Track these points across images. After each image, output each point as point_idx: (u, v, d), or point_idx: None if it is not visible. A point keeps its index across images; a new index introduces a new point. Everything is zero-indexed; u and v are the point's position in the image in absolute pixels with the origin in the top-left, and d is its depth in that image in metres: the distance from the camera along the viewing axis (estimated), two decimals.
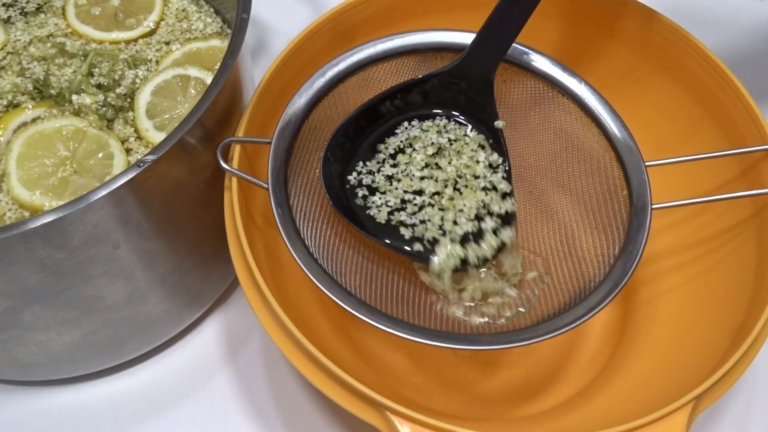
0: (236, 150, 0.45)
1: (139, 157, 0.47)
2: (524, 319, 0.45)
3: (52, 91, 0.50)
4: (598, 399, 0.49)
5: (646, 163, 0.45)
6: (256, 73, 0.54)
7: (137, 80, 0.51)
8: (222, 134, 0.46)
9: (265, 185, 0.43)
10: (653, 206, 0.44)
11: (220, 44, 0.53)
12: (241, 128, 0.46)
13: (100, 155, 0.47)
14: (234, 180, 0.44)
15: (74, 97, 0.49)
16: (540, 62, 0.48)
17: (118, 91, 0.50)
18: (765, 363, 0.53)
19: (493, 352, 0.52)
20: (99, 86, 0.50)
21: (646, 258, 0.43)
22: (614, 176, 0.46)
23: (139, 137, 0.49)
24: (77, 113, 0.49)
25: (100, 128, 0.48)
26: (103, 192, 0.38)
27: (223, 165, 0.43)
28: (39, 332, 0.45)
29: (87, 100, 0.49)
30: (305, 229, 0.43)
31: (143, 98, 0.50)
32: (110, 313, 0.46)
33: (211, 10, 0.56)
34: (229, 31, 0.54)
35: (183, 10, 0.55)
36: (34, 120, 0.49)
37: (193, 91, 0.50)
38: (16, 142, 0.47)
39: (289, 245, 0.41)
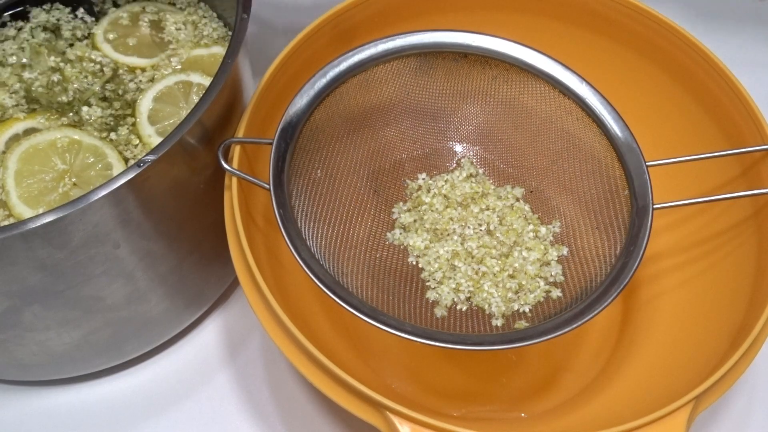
0: (236, 150, 0.45)
1: None
2: (525, 319, 0.45)
3: (63, 98, 0.49)
4: (598, 399, 0.49)
5: (648, 163, 0.45)
6: (256, 73, 0.54)
7: (140, 87, 0.51)
8: (222, 134, 0.46)
9: (267, 185, 0.43)
10: (654, 206, 0.44)
11: (222, 51, 0.53)
12: (241, 128, 0.46)
13: (99, 166, 0.47)
14: (234, 180, 0.44)
15: (84, 109, 0.48)
16: (541, 62, 0.48)
17: (122, 100, 0.50)
18: (765, 363, 0.53)
19: (493, 353, 0.52)
20: (104, 98, 0.50)
21: (646, 258, 0.43)
22: (615, 176, 0.46)
23: (142, 143, 0.49)
24: (76, 124, 0.48)
25: (101, 138, 0.48)
26: (103, 192, 0.38)
27: (225, 166, 0.43)
28: (39, 332, 0.45)
29: (98, 112, 0.48)
30: (306, 229, 0.43)
31: (145, 104, 0.49)
32: (110, 313, 0.46)
33: (215, 15, 0.56)
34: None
35: (194, 19, 0.55)
36: (26, 131, 0.48)
37: (195, 97, 0.50)
38: (11, 158, 0.46)
39: (290, 246, 0.41)
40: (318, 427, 0.51)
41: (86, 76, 0.50)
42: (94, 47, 0.53)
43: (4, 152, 0.47)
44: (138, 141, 0.49)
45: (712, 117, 0.51)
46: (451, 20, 0.54)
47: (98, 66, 0.52)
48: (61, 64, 0.51)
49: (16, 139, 0.48)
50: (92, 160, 0.47)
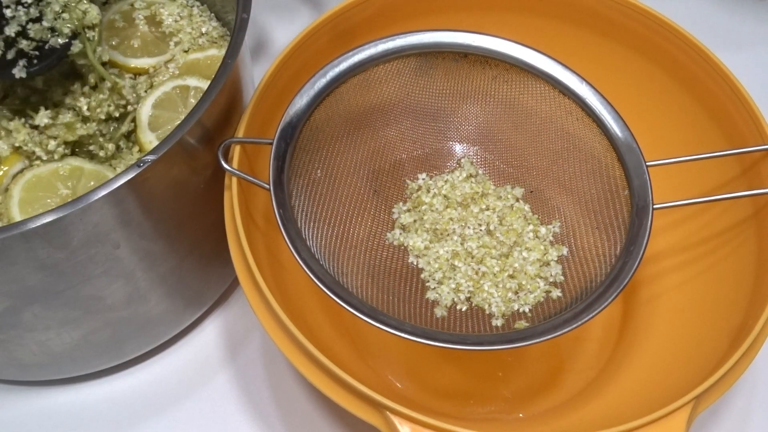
0: (236, 150, 0.45)
1: None
2: (525, 319, 0.45)
3: (101, 139, 0.48)
4: (598, 399, 0.49)
5: (647, 163, 0.45)
6: (256, 73, 0.54)
7: (141, 94, 0.51)
8: (222, 134, 0.46)
9: (267, 186, 0.43)
10: (654, 206, 0.44)
11: (218, 53, 0.53)
12: (241, 128, 0.46)
13: None
14: (234, 180, 0.44)
15: (109, 146, 0.48)
16: (541, 62, 0.48)
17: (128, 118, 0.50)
18: (765, 363, 0.53)
19: (492, 353, 0.52)
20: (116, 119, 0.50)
21: (646, 258, 0.43)
22: (615, 176, 0.46)
23: (141, 151, 0.49)
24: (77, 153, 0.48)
25: (103, 162, 0.48)
26: (103, 192, 0.38)
27: (225, 166, 0.43)
28: (39, 332, 0.45)
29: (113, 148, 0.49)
30: (306, 229, 0.44)
31: (145, 112, 0.49)
32: (110, 313, 0.46)
33: (213, 15, 0.56)
34: (228, 36, 0.54)
35: (190, 16, 0.55)
36: (31, 163, 0.48)
37: (193, 101, 0.49)
38: (15, 188, 0.46)
39: (290, 246, 0.41)
40: (318, 427, 0.51)
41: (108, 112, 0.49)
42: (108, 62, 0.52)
43: (7, 186, 0.47)
44: (138, 149, 0.49)
45: (712, 117, 0.51)
46: (451, 20, 0.54)
47: (121, 103, 0.50)
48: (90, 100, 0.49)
49: (21, 173, 0.47)
50: (92, 183, 0.47)
